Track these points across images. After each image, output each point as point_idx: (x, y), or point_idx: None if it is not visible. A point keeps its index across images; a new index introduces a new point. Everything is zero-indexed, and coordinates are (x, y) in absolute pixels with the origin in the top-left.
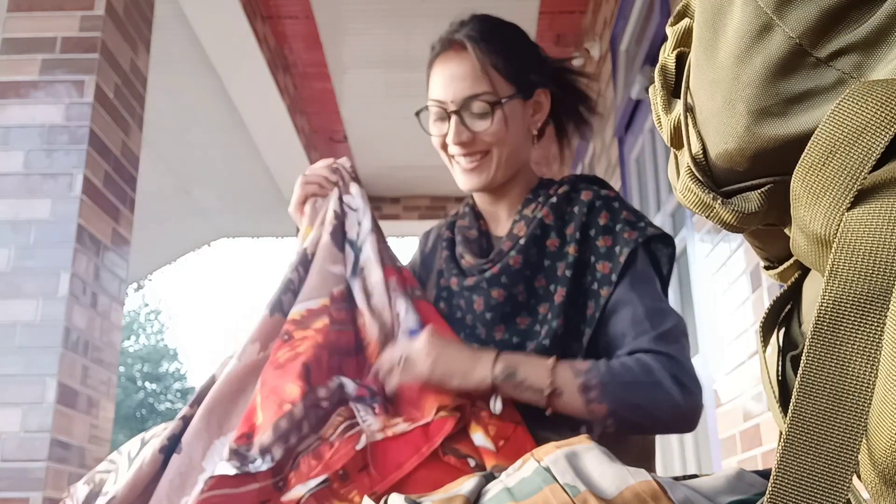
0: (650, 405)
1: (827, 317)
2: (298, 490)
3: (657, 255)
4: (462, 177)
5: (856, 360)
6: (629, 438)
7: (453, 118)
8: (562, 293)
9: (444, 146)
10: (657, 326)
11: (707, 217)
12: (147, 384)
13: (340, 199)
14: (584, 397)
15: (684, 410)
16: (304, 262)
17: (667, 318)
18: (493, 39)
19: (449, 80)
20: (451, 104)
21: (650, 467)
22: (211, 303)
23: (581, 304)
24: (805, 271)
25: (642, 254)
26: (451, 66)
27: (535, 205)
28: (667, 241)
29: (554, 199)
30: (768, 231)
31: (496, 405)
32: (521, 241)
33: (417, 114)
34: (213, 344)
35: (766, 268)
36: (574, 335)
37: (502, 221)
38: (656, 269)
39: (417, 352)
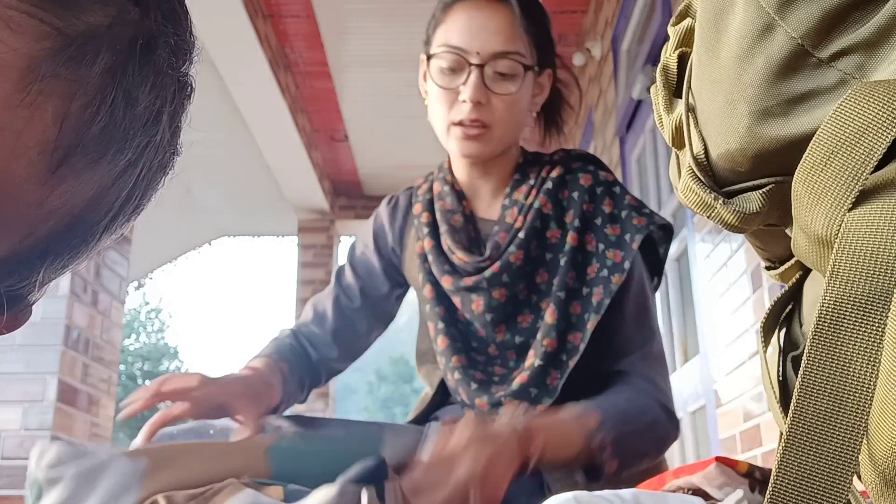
0: (652, 450)
1: (828, 317)
2: None
3: (657, 244)
4: (460, 143)
5: (856, 361)
6: None
7: (474, 72)
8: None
9: (451, 102)
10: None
11: (708, 217)
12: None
13: None
14: (599, 457)
15: (671, 441)
16: None
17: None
18: (528, 1)
19: (479, 29)
20: (475, 55)
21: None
22: (211, 301)
23: (586, 294)
24: (806, 272)
25: (639, 260)
26: (483, 14)
27: (528, 188)
28: (669, 231)
29: (549, 185)
30: (769, 231)
31: None
32: (521, 235)
33: (429, 58)
34: (214, 342)
35: (768, 268)
36: (577, 326)
37: (487, 200)
38: (654, 259)
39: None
